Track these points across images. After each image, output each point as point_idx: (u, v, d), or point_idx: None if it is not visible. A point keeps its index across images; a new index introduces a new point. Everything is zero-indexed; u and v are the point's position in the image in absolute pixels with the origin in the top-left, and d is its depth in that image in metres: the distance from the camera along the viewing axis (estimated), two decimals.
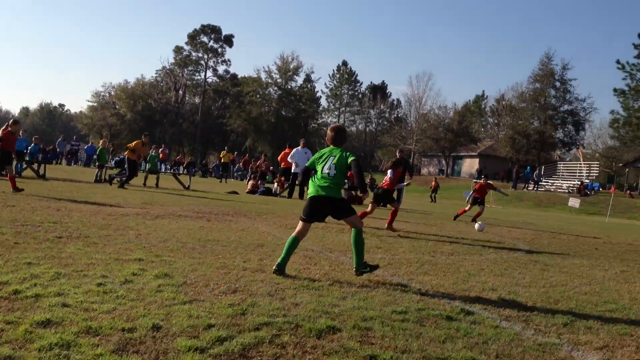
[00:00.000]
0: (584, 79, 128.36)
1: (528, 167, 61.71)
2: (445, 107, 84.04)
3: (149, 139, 23.84)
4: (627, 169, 63.99)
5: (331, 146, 6.90)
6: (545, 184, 59.06)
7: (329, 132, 6.99)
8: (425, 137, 78.18)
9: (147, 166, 25.20)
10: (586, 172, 57.23)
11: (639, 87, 74.84)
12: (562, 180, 58.38)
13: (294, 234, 6.74)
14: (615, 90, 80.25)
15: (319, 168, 6.72)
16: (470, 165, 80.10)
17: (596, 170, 61.59)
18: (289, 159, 23.20)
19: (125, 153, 21.67)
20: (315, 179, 6.73)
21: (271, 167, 31.65)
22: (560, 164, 64.34)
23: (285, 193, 24.03)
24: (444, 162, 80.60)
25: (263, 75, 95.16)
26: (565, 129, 68.55)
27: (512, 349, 4.31)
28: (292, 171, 23.02)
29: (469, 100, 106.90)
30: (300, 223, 6.79)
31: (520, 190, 56.53)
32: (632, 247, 14.41)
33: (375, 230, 12.33)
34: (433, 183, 45.25)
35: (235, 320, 4.40)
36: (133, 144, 21.64)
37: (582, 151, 68.41)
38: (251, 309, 4.74)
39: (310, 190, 6.78)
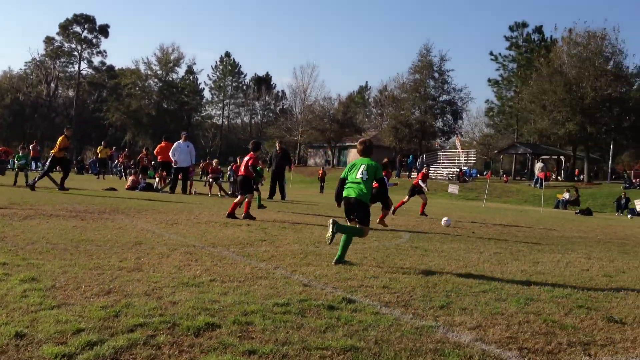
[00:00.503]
0: (460, 70, 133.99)
1: (410, 156, 63.63)
2: (329, 98, 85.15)
3: (71, 132, 22.56)
4: (501, 156, 67.38)
5: (361, 157, 7.98)
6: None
7: (358, 145, 8.19)
8: (311, 128, 78.78)
9: (16, 164, 23.86)
10: (464, 160, 59.78)
11: (511, 78, 79.06)
12: (442, 167, 60.64)
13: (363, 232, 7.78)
14: (489, 80, 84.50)
15: (352, 176, 7.79)
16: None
17: (473, 157, 64.44)
18: (170, 154, 22.65)
19: (53, 152, 20.45)
20: (349, 184, 7.79)
21: (153, 162, 30.75)
22: (440, 152, 66.78)
23: (168, 188, 23.44)
24: (329, 152, 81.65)
25: (142, 67, 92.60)
26: (445, 118, 71.12)
27: (391, 334, 4.41)
28: (175, 166, 22.53)
29: (353, 91, 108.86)
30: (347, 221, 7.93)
31: (404, 178, 58.22)
32: (505, 229, 15.19)
33: (260, 223, 12.31)
34: (320, 172, 45.73)
35: (107, 322, 4.24)
36: (59, 142, 20.43)
37: (461, 139, 71.31)
38: (125, 310, 4.59)
39: (344, 192, 7.83)
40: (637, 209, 33.58)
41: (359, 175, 7.69)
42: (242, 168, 13.86)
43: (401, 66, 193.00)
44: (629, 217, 32.41)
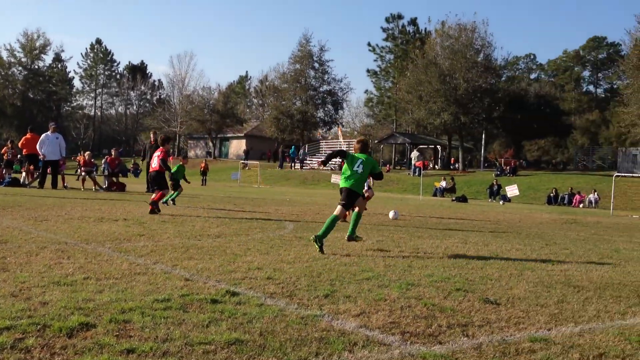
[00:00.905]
0: (340, 61, 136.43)
1: (293, 147, 64.03)
2: (209, 88, 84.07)
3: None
4: (382, 145, 69.22)
5: (359, 153, 9.09)
6: (309, 162, 61.73)
7: (355, 144, 9.42)
8: (190, 119, 77.52)
9: None
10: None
11: (389, 69, 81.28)
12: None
13: (335, 212, 8.73)
14: (368, 71, 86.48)
15: (350, 168, 8.83)
16: (237, 146, 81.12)
17: None
18: (37, 146, 21.56)
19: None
20: (347, 175, 8.83)
21: (19, 156, 29.16)
22: (322, 142, 67.68)
23: (36, 183, 22.30)
24: (210, 144, 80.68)
25: (4, 54, 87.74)
26: (326, 109, 71.98)
27: (276, 325, 4.37)
28: (43, 159, 21.46)
29: (233, 81, 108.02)
30: (339, 207, 8.78)
31: (287, 169, 58.55)
32: (386, 217, 15.55)
33: (138, 217, 11.93)
34: (202, 165, 45.07)
35: None
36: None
37: (342, 129, 72.59)
38: None
39: (343, 184, 8.90)
40: (508, 195, 35.54)
41: (355, 168, 8.80)
42: (153, 164, 13.43)
43: (281, 56, 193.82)
44: (500, 203, 34.28)
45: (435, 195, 39.37)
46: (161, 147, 13.80)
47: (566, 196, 37.32)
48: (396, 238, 10.47)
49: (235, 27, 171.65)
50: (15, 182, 22.88)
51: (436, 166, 61.93)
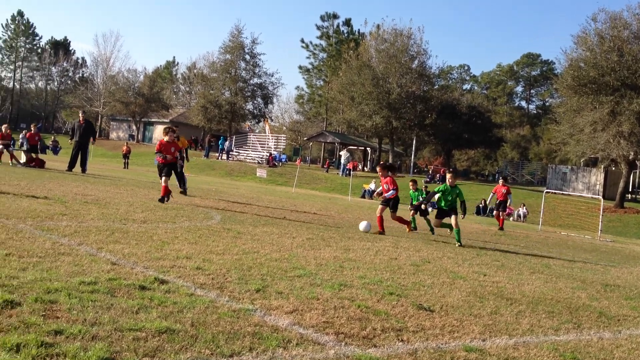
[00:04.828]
0: (272, 55, 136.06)
1: (222, 137, 63.45)
2: (135, 70, 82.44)
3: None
4: (311, 143, 69.46)
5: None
6: (236, 154, 61.33)
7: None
8: (114, 100, 75.87)
9: None
10: (274, 144, 60.73)
11: (321, 67, 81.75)
12: (252, 151, 61.17)
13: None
14: (300, 67, 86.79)
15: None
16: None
17: (283, 142, 65.71)
18: None
19: None
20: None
21: None
22: (250, 135, 67.35)
23: None
24: (134, 127, 79.15)
25: None
26: (255, 102, 71.72)
27: (207, 316, 4.35)
28: None
29: (160, 66, 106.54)
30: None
31: (213, 159, 57.98)
32: (316, 216, 15.65)
33: (60, 196, 11.58)
34: (124, 148, 44.10)
35: None
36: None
37: (270, 124, 72.43)
38: None
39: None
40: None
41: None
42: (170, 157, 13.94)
43: (211, 45, 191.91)
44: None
45: (363, 197, 39.80)
46: (174, 141, 14.29)
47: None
48: (326, 237, 10.53)
49: (164, 11, 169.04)
50: None
51: (365, 168, 62.62)
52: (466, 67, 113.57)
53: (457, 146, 70.24)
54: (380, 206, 13.29)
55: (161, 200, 13.29)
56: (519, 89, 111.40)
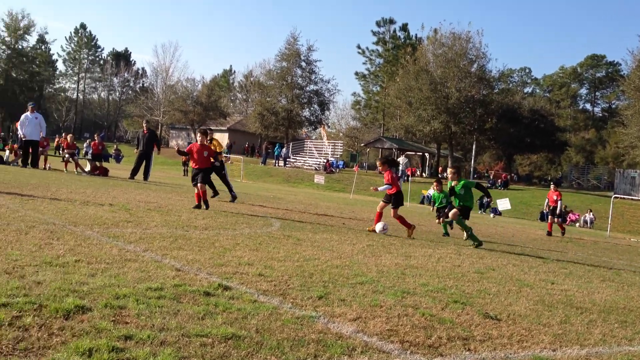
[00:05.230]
0: (328, 61, 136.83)
1: (277, 144, 63.98)
2: (193, 79, 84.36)
3: None
4: (368, 149, 69.36)
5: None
6: (293, 160, 61.74)
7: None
8: (173, 109, 77.57)
9: None
10: (331, 151, 60.91)
11: (378, 73, 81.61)
12: (309, 157, 61.47)
13: None
14: (356, 73, 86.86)
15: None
16: (220, 139, 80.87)
17: (340, 148, 65.83)
18: (17, 126, 21.92)
19: None
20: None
21: (2, 133, 29.44)
22: (307, 141, 67.71)
23: (20, 162, 22.61)
24: (193, 135, 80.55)
25: None
26: (312, 108, 72.14)
27: (272, 322, 4.38)
28: (24, 139, 21.74)
29: (218, 74, 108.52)
30: None
31: (271, 166, 58.48)
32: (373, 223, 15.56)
33: (123, 204, 11.88)
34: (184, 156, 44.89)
35: None
36: None
37: (326, 130, 72.69)
38: None
39: None
40: (499, 209, 35.69)
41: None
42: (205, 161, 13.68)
43: (267, 52, 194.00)
44: (491, 216, 34.42)
45: (422, 202, 39.51)
46: (208, 145, 14.07)
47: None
48: (386, 244, 10.50)
49: (221, 21, 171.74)
50: None
51: (423, 174, 62.16)
52: (527, 70, 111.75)
53: (519, 151, 69.10)
54: (381, 202, 12.96)
55: (197, 207, 12.97)
56: (583, 91, 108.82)
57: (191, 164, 14.07)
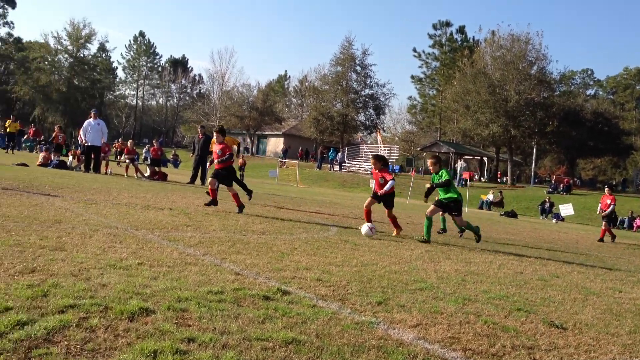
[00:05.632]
0: (383, 65, 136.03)
1: (332, 149, 64.13)
2: (249, 85, 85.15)
3: None
4: (424, 153, 68.87)
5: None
6: (349, 165, 61.76)
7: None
8: (229, 114, 78.54)
9: None
10: (387, 155, 60.71)
11: (434, 76, 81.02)
12: (365, 162, 61.39)
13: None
14: (412, 77, 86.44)
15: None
16: (275, 144, 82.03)
17: (396, 153, 65.55)
18: (80, 132, 22.63)
19: None
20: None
21: (66, 139, 30.57)
22: (362, 146, 67.64)
23: (83, 167, 23.33)
24: (249, 140, 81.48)
25: (52, 41, 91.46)
26: (367, 113, 72.02)
27: (331, 328, 4.39)
28: (86, 144, 22.39)
29: (273, 80, 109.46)
30: None
31: (326, 170, 58.62)
32: (435, 228, 15.42)
33: (183, 208, 12.10)
34: (240, 160, 45.41)
35: (36, 302, 4.09)
36: None
37: (382, 134, 72.47)
38: (53, 290, 4.43)
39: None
40: (562, 214, 34.94)
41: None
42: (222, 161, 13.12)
43: (322, 57, 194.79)
44: (553, 221, 33.71)
45: (481, 208, 39.01)
46: (223, 142, 13.31)
47: (626, 220, 36.63)
48: (445, 249, 10.41)
49: (276, 27, 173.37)
50: (62, 165, 23.84)
51: (482, 178, 61.36)
52: (589, 72, 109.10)
53: (582, 154, 67.55)
54: (369, 198, 12.17)
55: (212, 203, 12.70)
56: None
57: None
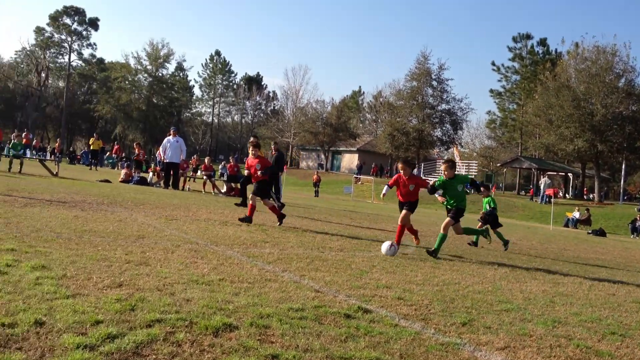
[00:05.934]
0: (460, 79, 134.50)
1: None
2: (322, 101, 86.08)
3: None
4: (504, 169, 67.55)
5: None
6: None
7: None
8: (303, 130, 79.27)
9: (10, 151, 24.11)
10: (465, 171, 59.87)
11: (514, 90, 79.48)
12: None
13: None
14: (491, 91, 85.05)
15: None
16: (349, 160, 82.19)
17: (475, 169, 64.57)
18: (160, 150, 23.33)
19: None
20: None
21: (146, 156, 31.70)
22: (439, 161, 66.94)
23: (162, 183, 24.01)
24: (323, 156, 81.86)
25: (132, 61, 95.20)
26: (444, 128, 71.32)
27: (415, 348, 4.33)
28: (165, 161, 23.00)
29: (346, 96, 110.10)
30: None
31: None
32: (516, 246, 15.09)
33: (260, 225, 12.25)
34: (315, 177, 45.75)
35: (124, 316, 4.22)
36: None
37: (459, 150, 71.54)
38: (140, 304, 4.57)
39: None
40: None
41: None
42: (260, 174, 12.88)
43: (396, 72, 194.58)
44: None
45: (566, 226, 37.92)
46: (260, 156, 13.11)
47: None
48: (531, 268, 10.13)
49: (350, 43, 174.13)
50: (143, 181, 24.60)
51: (567, 195, 59.70)
52: None
53: None
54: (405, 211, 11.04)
55: (247, 219, 12.28)
56: None
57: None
